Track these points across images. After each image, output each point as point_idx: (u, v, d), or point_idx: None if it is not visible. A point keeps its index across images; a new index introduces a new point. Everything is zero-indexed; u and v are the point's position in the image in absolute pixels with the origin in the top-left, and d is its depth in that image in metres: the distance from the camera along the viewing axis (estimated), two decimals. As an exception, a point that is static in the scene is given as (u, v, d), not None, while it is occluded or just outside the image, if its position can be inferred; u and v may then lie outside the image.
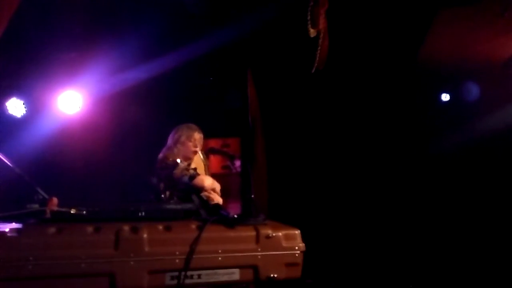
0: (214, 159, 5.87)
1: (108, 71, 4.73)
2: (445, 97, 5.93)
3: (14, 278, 1.63)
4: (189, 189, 3.41)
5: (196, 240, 1.82)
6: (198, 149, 3.72)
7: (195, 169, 3.57)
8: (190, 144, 3.70)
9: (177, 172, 3.44)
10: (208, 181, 3.49)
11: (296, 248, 1.96)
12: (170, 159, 3.54)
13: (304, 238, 1.99)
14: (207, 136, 5.91)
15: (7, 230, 1.69)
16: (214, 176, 5.89)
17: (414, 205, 5.55)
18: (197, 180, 3.42)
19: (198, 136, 3.76)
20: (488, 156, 5.49)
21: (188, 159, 3.65)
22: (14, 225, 1.81)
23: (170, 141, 3.73)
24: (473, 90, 5.62)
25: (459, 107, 5.78)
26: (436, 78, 5.75)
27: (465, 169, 5.57)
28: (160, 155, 3.67)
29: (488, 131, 5.35)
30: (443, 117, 5.76)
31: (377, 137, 5.61)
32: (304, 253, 1.96)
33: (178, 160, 3.50)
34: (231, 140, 5.79)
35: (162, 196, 3.47)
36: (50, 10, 4.11)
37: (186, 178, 3.41)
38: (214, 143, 5.81)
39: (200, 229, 1.86)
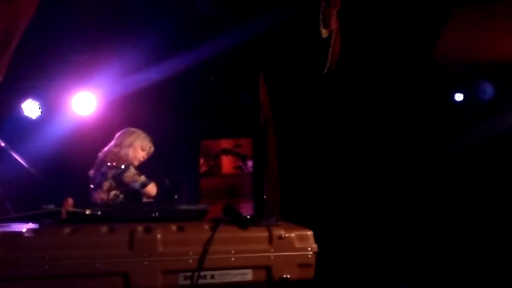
0: (226, 160, 5.90)
1: (121, 73, 4.78)
2: (459, 97, 5.87)
3: (31, 277, 1.66)
4: (137, 194, 3.47)
5: (209, 241, 1.84)
6: (142, 160, 3.70)
7: (146, 175, 3.58)
8: (142, 153, 3.68)
9: (128, 175, 3.45)
10: (155, 190, 3.52)
11: (309, 249, 1.96)
12: (122, 161, 3.53)
13: (316, 239, 2.00)
14: (219, 136, 5.97)
15: (24, 230, 1.72)
16: (226, 176, 5.96)
17: (428, 206, 5.50)
18: (148, 188, 3.47)
19: (151, 150, 3.75)
20: (502, 157, 5.43)
21: (131, 165, 3.61)
22: (30, 225, 1.84)
23: (119, 140, 3.67)
24: (487, 90, 5.57)
25: (472, 107, 5.73)
26: (449, 77, 5.70)
27: (479, 170, 5.51)
28: (107, 153, 3.62)
29: (502, 132, 5.29)
30: (456, 117, 5.71)
31: (390, 138, 5.58)
32: (317, 254, 1.97)
33: (131, 165, 3.52)
34: (243, 140, 5.80)
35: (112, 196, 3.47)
36: (64, 12, 4.16)
37: (137, 185, 3.45)
38: (226, 143, 5.84)
39: (213, 229, 1.87)
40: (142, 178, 3.48)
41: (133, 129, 3.77)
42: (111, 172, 3.48)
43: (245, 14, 4.42)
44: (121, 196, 3.49)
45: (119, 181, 3.47)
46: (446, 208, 5.49)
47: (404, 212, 5.47)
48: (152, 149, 3.77)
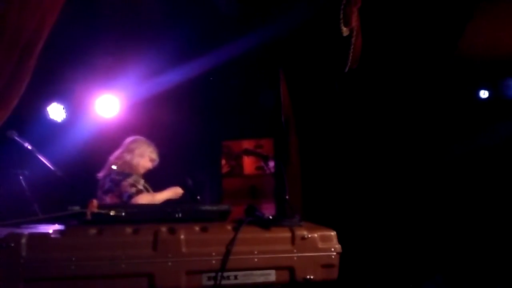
0: (248, 160, 5.90)
1: (144, 75, 4.82)
2: (484, 94, 5.75)
3: (58, 277, 1.69)
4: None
5: (232, 241, 1.84)
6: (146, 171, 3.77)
7: (145, 187, 3.59)
8: (149, 164, 3.74)
9: (125, 183, 3.47)
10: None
11: (332, 249, 1.95)
12: (130, 168, 3.60)
13: (339, 239, 1.98)
14: (240, 137, 5.97)
15: (50, 231, 1.75)
16: (248, 177, 5.96)
17: (451, 206, 5.41)
18: (134, 200, 3.42)
19: (155, 163, 3.80)
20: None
21: (136, 173, 3.65)
22: (56, 226, 1.87)
23: (132, 147, 3.71)
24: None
25: (498, 104, 5.61)
26: (474, 74, 5.59)
27: (506, 168, 5.40)
28: (119, 158, 3.66)
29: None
30: (481, 114, 5.60)
31: (413, 136, 5.50)
32: (340, 254, 1.95)
33: (134, 174, 3.57)
34: (264, 140, 5.79)
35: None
36: (87, 16, 4.23)
37: (126, 195, 3.45)
38: (247, 144, 5.84)
39: (236, 230, 1.88)
40: (133, 190, 3.48)
41: (143, 139, 3.83)
42: (116, 178, 3.54)
43: (265, 14, 4.41)
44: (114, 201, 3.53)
45: (116, 184, 3.51)
46: (469, 207, 5.39)
47: (427, 213, 5.39)
48: (156, 162, 3.83)
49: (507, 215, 5.20)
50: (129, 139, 3.80)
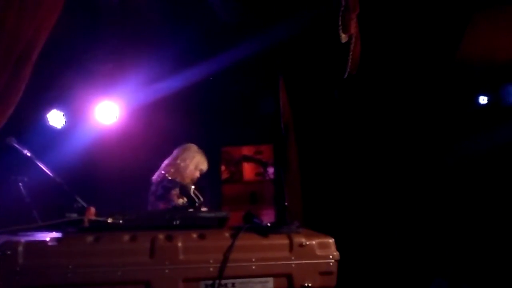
0: (248, 167, 5.91)
1: (143, 82, 4.83)
2: (483, 99, 5.75)
3: (55, 285, 1.69)
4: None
5: (230, 248, 1.84)
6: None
7: (195, 194, 3.61)
8: (197, 173, 3.75)
9: (174, 192, 3.48)
10: None
11: (330, 256, 1.94)
12: (181, 176, 3.62)
13: (339, 246, 1.97)
14: (240, 143, 5.98)
15: (47, 239, 1.75)
16: (247, 183, 5.96)
17: (450, 213, 5.39)
18: None
19: (203, 173, 3.81)
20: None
21: (183, 181, 3.66)
22: (54, 234, 1.87)
23: (185, 156, 3.73)
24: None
25: (497, 110, 5.61)
26: (474, 80, 5.60)
27: (507, 172, 5.40)
28: (172, 166, 3.68)
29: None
30: (480, 120, 5.60)
31: (413, 143, 5.50)
32: (339, 261, 1.94)
33: (185, 184, 3.54)
34: (264, 147, 5.80)
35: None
36: (87, 23, 4.24)
37: (173, 204, 3.43)
38: (247, 150, 5.85)
39: (234, 237, 1.87)
40: (180, 201, 3.50)
41: (195, 147, 3.84)
42: (168, 185, 3.55)
43: (264, 21, 4.43)
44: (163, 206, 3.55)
45: (167, 191, 3.52)
46: (468, 214, 5.37)
47: (426, 220, 5.38)
48: (204, 172, 3.85)
49: (506, 220, 5.19)
50: (181, 147, 3.82)
